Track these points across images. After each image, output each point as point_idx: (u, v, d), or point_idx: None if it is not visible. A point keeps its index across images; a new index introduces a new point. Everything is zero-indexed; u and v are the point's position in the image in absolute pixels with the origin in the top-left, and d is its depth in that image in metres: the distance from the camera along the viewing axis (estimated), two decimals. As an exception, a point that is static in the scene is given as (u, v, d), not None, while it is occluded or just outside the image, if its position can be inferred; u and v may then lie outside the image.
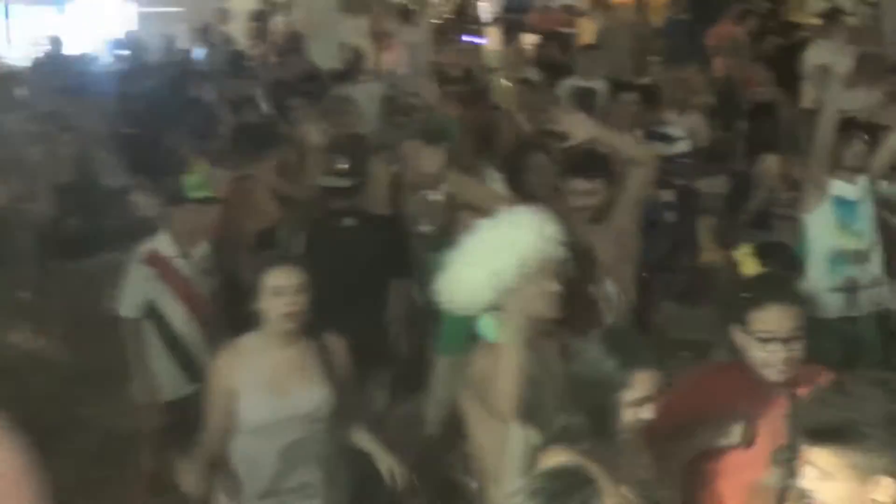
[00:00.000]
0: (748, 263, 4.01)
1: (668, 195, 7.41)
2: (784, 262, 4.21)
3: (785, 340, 3.32)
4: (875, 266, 5.97)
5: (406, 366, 5.67)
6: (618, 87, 8.50)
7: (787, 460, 3.05)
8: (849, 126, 6.02)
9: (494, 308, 3.52)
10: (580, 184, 4.87)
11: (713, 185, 8.70)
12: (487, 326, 3.55)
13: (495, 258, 3.52)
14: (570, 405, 2.98)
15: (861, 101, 8.70)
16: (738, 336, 3.38)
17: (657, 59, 11.81)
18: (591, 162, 4.95)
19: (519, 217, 3.65)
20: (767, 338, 3.31)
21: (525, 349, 3.40)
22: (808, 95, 10.39)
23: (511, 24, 15.85)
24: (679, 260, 7.08)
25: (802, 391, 3.26)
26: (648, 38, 13.86)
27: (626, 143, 4.96)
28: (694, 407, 3.38)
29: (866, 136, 5.96)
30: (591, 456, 2.86)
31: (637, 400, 2.97)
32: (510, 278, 3.49)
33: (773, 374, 3.34)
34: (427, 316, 5.21)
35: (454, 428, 3.75)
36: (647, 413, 2.97)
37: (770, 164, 7.97)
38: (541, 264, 3.52)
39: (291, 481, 3.90)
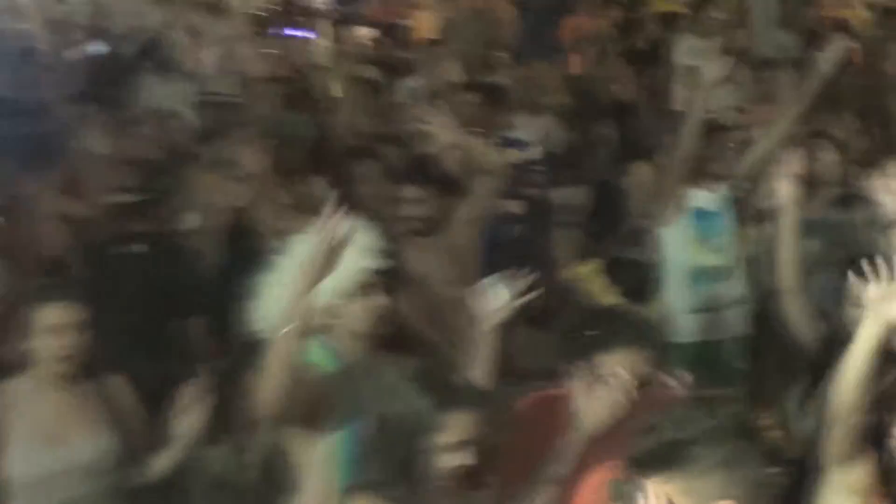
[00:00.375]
0: (595, 282, 4.12)
1: (516, 207, 7.55)
2: (634, 280, 4.29)
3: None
4: (737, 284, 6.13)
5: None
6: (464, 86, 8.92)
7: (625, 493, 3.13)
8: (714, 130, 6.21)
9: (314, 329, 3.61)
10: (409, 191, 4.95)
11: (570, 196, 8.88)
12: (313, 352, 3.67)
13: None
14: (381, 447, 3.09)
15: (728, 100, 9.05)
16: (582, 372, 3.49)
17: (507, 55, 11.95)
18: (422, 168, 5.04)
19: (330, 225, 3.72)
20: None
21: (351, 369, 3.61)
22: (679, 95, 10.72)
23: (346, 15, 15.96)
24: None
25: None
26: (497, 31, 14.05)
27: (478, 149, 5.09)
28: (529, 443, 3.46)
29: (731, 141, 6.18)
30: None
31: (451, 445, 3.06)
32: (332, 295, 3.60)
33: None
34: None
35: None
36: (463, 459, 3.06)
37: (640, 173, 8.15)
38: (361, 279, 3.63)
39: None
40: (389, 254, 3.84)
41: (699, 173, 6.11)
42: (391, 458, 3.02)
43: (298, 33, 13.94)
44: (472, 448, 3.07)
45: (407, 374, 3.13)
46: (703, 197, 6.14)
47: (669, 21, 13.64)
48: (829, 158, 6.41)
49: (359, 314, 3.67)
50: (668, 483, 2.40)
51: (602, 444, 3.38)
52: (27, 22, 13.08)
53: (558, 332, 6.49)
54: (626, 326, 3.63)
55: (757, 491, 2.38)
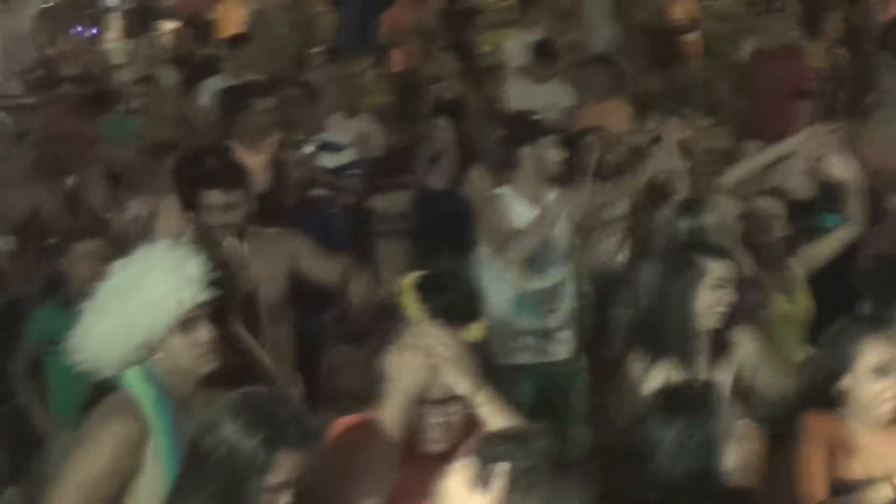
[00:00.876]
0: (408, 299, 4.19)
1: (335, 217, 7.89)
2: (453, 296, 4.33)
3: (441, 402, 3.45)
4: (566, 305, 6.24)
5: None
6: (278, 83, 8.95)
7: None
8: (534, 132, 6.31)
9: (136, 365, 3.64)
10: (217, 197, 5.00)
11: (392, 202, 9.02)
12: (134, 379, 3.65)
13: (128, 306, 3.61)
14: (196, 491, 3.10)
15: (549, 98, 9.57)
16: None
17: (322, 50, 12.04)
18: (226, 171, 5.09)
19: (152, 254, 3.72)
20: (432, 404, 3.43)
21: (175, 410, 3.62)
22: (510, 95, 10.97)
23: (143, 9, 15.89)
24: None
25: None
26: (311, 26, 14.28)
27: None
28: (341, 473, 3.46)
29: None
30: None
31: (278, 485, 3.07)
32: (149, 329, 3.59)
33: (429, 441, 3.47)
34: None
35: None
36: (286, 498, 3.08)
37: (475, 178, 8.14)
38: (185, 310, 3.60)
39: None
40: (219, 280, 3.81)
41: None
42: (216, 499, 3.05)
43: (90, 30, 13.91)
44: (294, 487, 3.08)
45: (232, 409, 3.12)
46: (522, 209, 6.19)
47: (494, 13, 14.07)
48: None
49: (181, 350, 3.67)
50: None
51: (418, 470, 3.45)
52: None
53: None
54: None
55: None
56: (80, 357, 3.69)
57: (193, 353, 3.66)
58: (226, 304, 3.98)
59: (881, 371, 4.04)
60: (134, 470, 3.58)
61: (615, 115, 8.72)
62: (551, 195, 6.11)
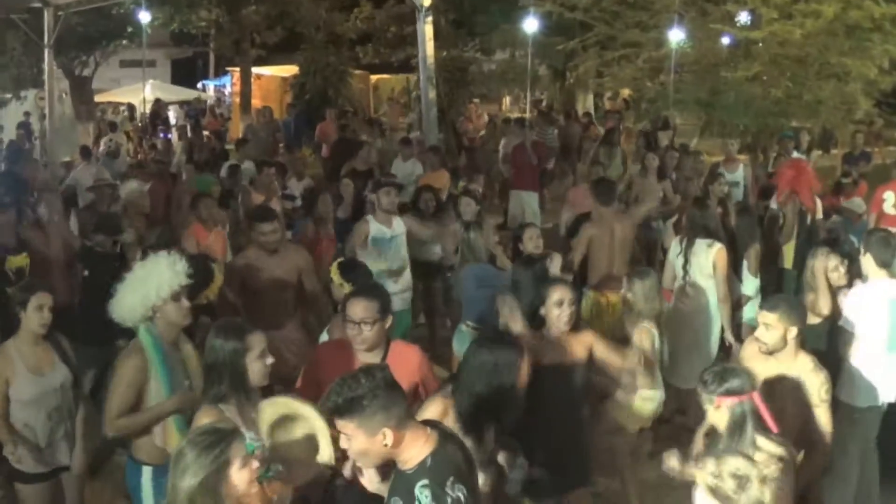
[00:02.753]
0: (336, 278, 4.32)
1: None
2: (360, 275, 4.32)
3: (360, 323, 3.40)
4: (406, 279, 6.07)
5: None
6: (261, 164, 8.88)
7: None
8: (386, 184, 6.23)
9: (147, 320, 3.56)
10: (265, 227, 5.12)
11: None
12: (141, 333, 3.57)
13: (142, 287, 3.55)
14: (210, 380, 3.09)
15: (410, 168, 9.50)
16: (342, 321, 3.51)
17: (284, 144, 12.26)
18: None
19: (158, 257, 3.65)
20: (350, 321, 3.43)
21: (165, 347, 3.51)
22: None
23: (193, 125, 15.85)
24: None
25: (392, 360, 3.40)
26: (277, 131, 14.43)
27: None
28: (317, 373, 3.49)
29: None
30: (234, 409, 2.99)
31: (258, 354, 3.07)
32: (154, 300, 3.53)
33: (360, 348, 3.44)
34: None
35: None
36: (268, 360, 3.08)
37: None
38: (174, 289, 3.56)
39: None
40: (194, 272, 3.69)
41: (381, 209, 6.01)
42: (223, 382, 3.03)
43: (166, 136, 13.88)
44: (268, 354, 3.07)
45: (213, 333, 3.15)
46: (378, 228, 5.97)
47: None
48: (471, 209, 6.40)
49: (172, 312, 3.54)
50: (350, 423, 2.35)
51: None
52: None
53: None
54: (357, 287, 3.75)
55: None
56: (115, 316, 3.60)
57: (179, 314, 3.56)
58: (197, 287, 3.92)
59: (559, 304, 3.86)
60: (143, 383, 3.50)
61: (440, 179, 8.65)
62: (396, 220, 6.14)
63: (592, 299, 5.89)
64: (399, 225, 6.13)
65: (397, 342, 3.60)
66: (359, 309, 3.44)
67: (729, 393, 2.96)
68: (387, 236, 6.02)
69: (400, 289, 6.00)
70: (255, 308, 4.95)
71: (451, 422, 2.85)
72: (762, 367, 3.49)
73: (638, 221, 6.58)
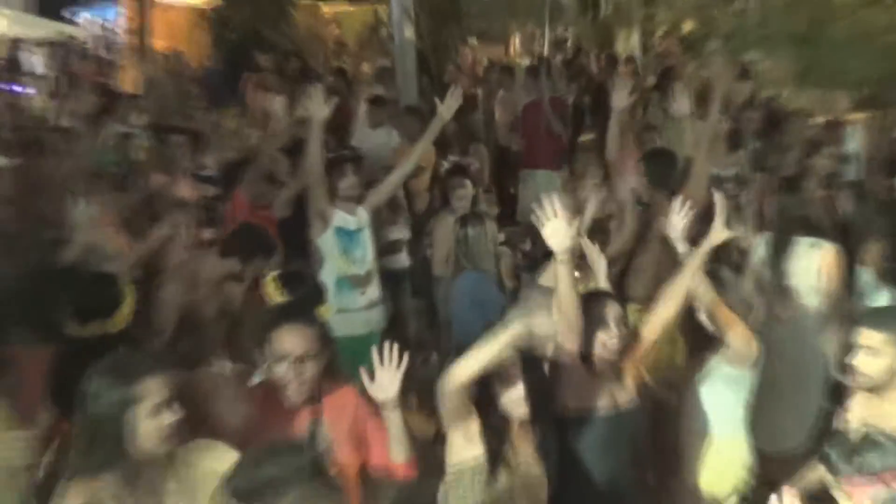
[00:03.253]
0: (272, 291, 4.48)
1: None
2: (304, 288, 4.53)
3: (299, 359, 3.61)
4: (374, 289, 6.36)
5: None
6: (164, 131, 8.80)
7: None
8: (340, 161, 6.54)
9: None
10: None
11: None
12: None
13: None
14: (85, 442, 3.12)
15: (382, 139, 9.80)
16: (263, 358, 3.71)
17: (200, 105, 12.26)
18: None
19: None
20: (283, 357, 3.62)
21: None
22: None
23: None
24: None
25: (328, 406, 3.72)
26: (190, 85, 14.38)
27: None
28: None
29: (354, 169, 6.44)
30: (114, 483, 3.07)
31: (155, 407, 3.11)
32: None
33: (292, 390, 3.65)
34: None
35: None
36: (171, 415, 3.13)
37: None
38: None
39: None
40: None
41: (335, 196, 6.24)
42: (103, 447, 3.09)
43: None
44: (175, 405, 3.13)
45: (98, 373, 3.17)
46: (342, 217, 6.26)
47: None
48: (468, 196, 6.99)
49: None
50: None
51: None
52: None
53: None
54: (290, 309, 4.02)
55: None
56: None
57: None
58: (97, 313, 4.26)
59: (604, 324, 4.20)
60: None
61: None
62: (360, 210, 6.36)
63: (638, 320, 5.83)
64: (363, 215, 6.31)
65: (333, 385, 3.80)
66: (295, 339, 3.59)
67: (867, 472, 2.83)
68: (351, 228, 6.21)
69: (367, 303, 6.21)
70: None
71: None
72: (863, 411, 3.54)
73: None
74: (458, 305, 5.67)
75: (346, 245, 6.22)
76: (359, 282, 6.21)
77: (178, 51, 15.98)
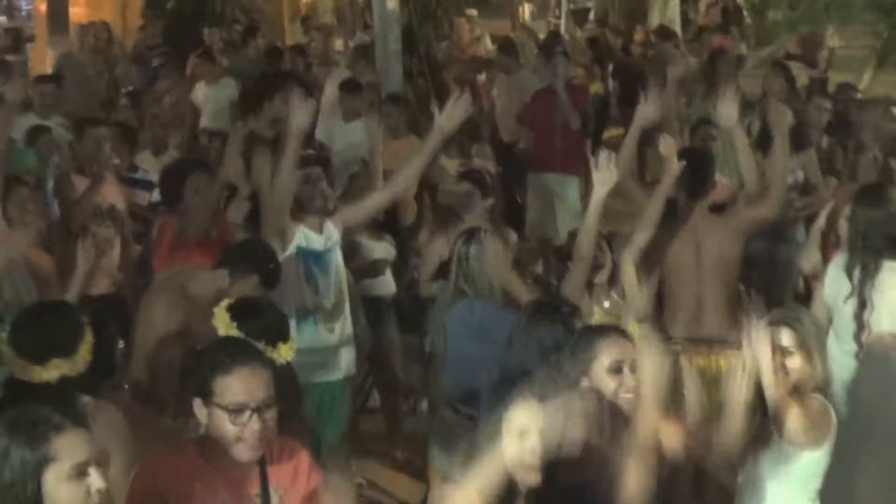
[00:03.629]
0: (222, 323, 4.56)
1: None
2: (264, 320, 4.58)
3: (257, 409, 3.63)
4: (345, 325, 6.39)
5: None
6: (84, 124, 8.73)
7: None
8: (304, 163, 6.46)
9: None
10: None
11: None
12: None
13: None
14: None
15: (357, 135, 9.74)
16: (201, 409, 3.69)
17: (127, 93, 12.36)
18: None
19: None
20: (237, 408, 3.63)
21: None
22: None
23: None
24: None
25: (280, 468, 3.77)
26: (117, 66, 14.58)
27: None
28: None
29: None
30: None
31: (73, 469, 3.16)
32: None
33: (244, 450, 3.66)
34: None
35: None
36: (98, 482, 3.18)
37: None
38: None
39: None
40: None
41: (301, 209, 6.30)
42: None
43: None
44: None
45: None
46: (306, 235, 6.27)
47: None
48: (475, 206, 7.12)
49: None
50: None
51: None
52: None
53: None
54: (243, 347, 3.93)
55: None
56: None
57: None
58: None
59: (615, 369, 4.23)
60: None
61: (406, 151, 8.59)
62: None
63: (682, 363, 5.99)
64: (332, 231, 6.33)
65: (279, 440, 3.81)
66: (251, 383, 3.63)
67: None
68: (318, 248, 6.22)
69: (337, 341, 6.25)
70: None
71: None
72: None
73: (750, 226, 6.54)
74: (454, 341, 5.77)
75: (310, 270, 6.24)
76: (326, 316, 6.25)
77: (104, 22, 16.12)
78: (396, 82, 10.95)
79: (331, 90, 10.89)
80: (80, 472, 3.14)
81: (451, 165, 9.01)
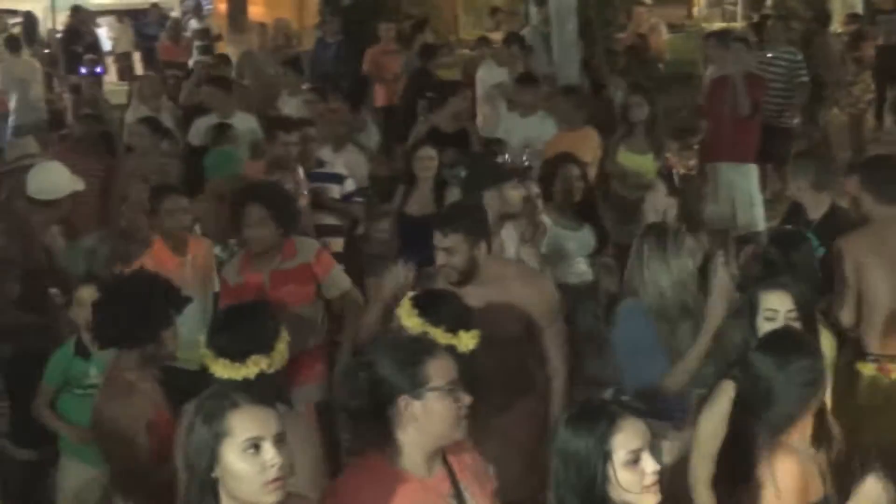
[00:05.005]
0: (409, 317, 4.62)
1: (336, 245, 8.06)
2: (446, 309, 4.63)
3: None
4: None
5: None
6: (276, 127, 8.84)
7: None
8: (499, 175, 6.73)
9: None
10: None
11: (379, 229, 9.33)
12: None
13: None
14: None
15: (536, 129, 9.84)
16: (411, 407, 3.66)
17: (309, 88, 12.44)
18: None
19: None
20: (451, 387, 3.66)
21: None
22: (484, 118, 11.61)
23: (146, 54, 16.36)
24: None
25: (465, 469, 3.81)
26: (297, 63, 14.73)
27: None
28: None
29: None
30: None
31: (245, 442, 3.28)
32: None
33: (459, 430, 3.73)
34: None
35: None
36: (273, 457, 3.30)
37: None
38: None
39: None
40: None
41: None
42: None
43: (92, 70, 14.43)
44: None
45: None
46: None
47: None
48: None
49: None
50: None
51: None
52: None
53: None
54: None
55: None
56: None
57: None
58: None
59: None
60: None
61: (585, 143, 9.02)
62: (508, 228, 6.54)
63: (869, 380, 5.88)
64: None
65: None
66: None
67: None
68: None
69: None
70: None
71: None
72: None
73: None
74: (629, 333, 5.46)
75: None
76: None
77: (283, 19, 16.43)
78: (573, 73, 10.90)
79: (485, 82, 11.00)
80: (254, 446, 3.25)
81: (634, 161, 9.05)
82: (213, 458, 3.26)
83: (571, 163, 7.46)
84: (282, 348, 4.41)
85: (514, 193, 6.64)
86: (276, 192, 6.49)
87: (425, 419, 3.63)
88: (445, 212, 5.78)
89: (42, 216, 6.99)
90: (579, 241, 7.39)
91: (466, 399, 3.66)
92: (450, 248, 5.25)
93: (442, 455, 3.76)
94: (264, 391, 4.04)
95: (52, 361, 5.94)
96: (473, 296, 5.02)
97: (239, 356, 4.24)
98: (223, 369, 4.27)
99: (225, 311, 4.67)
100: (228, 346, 4.27)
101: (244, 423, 3.26)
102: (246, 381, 4.25)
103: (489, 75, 12.08)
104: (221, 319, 4.47)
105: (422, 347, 3.78)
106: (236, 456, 3.25)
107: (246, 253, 6.25)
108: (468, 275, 5.28)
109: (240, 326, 4.35)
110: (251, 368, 4.28)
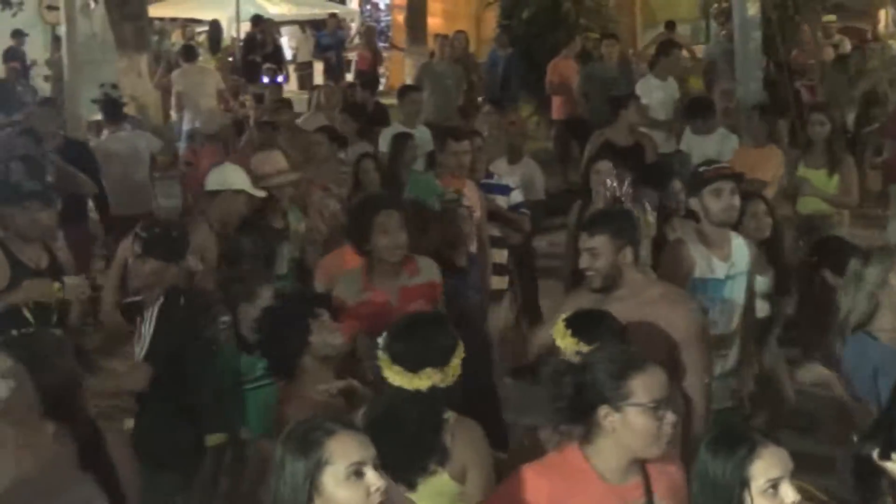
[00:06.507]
0: (563, 339, 4.55)
1: (500, 256, 8.10)
2: (600, 330, 4.58)
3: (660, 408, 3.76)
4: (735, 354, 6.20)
5: None
6: (447, 137, 8.65)
7: None
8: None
9: None
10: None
11: (552, 243, 9.43)
12: None
13: None
14: None
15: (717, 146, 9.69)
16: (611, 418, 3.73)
17: (485, 100, 12.49)
18: None
19: None
20: (654, 405, 3.70)
21: None
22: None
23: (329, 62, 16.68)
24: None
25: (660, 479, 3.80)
26: (474, 74, 15.00)
27: None
28: None
29: None
30: None
31: (348, 469, 3.28)
32: None
33: (656, 449, 3.74)
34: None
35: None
36: (376, 481, 3.30)
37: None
38: None
39: None
40: None
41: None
42: None
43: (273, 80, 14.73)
44: None
45: None
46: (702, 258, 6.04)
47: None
48: None
49: None
50: None
51: None
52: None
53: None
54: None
55: None
56: None
57: None
58: None
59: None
60: None
61: (767, 162, 8.93)
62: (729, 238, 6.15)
63: None
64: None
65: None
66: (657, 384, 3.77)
67: None
68: (720, 276, 5.99)
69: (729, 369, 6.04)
70: None
71: None
72: None
73: None
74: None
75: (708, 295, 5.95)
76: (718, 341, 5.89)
77: (462, 32, 16.43)
78: (756, 89, 10.74)
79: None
80: (356, 472, 3.23)
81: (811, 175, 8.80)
82: (312, 489, 3.23)
83: (758, 199, 7.02)
84: (456, 364, 4.34)
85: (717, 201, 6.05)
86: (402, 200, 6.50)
87: (623, 432, 3.68)
88: (593, 214, 5.74)
89: (216, 207, 7.04)
90: (764, 283, 7.16)
91: (671, 418, 3.69)
92: (594, 250, 5.15)
93: (641, 465, 3.77)
94: (436, 405, 4.22)
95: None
96: (616, 311, 4.85)
97: (413, 366, 4.19)
98: (396, 376, 4.23)
99: (405, 318, 4.55)
100: (404, 355, 4.22)
101: (345, 449, 3.25)
102: (418, 392, 4.23)
103: (646, 88, 11.71)
104: (401, 327, 4.39)
105: (631, 361, 3.78)
106: (338, 484, 3.23)
107: (363, 270, 5.97)
108: (611, 281, 5.15)
109: (418, 336, 4.29)
110: (424, 381, 4.24)
